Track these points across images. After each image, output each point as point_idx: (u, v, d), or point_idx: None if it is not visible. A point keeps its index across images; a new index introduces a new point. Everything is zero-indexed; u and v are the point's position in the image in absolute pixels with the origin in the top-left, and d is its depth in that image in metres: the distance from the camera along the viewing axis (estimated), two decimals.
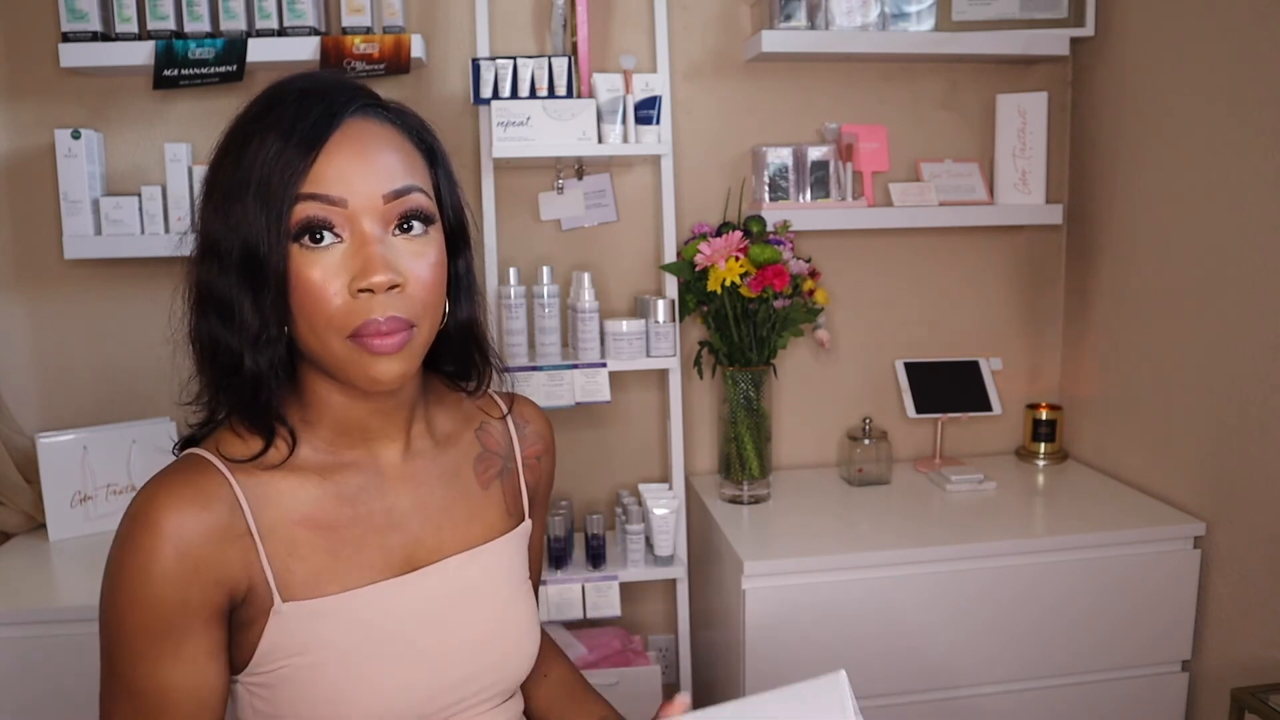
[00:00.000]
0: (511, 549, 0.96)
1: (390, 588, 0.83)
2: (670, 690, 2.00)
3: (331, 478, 0.84)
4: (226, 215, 0.75)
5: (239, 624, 0.80)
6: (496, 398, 1.02)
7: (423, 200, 0.79)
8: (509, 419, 1.01)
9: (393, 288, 0.75)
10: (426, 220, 0.79)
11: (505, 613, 0.93)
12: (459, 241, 0.87)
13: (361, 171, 0.75)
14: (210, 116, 1.83)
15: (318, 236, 0.74)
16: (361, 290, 0.74)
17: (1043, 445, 2.08)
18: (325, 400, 0.83)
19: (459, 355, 0.91)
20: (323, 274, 0.74)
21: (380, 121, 0.80)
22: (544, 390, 1.76)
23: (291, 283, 0.75)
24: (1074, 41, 1.95)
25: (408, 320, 0.76)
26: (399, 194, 0.77)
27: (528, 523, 1.00)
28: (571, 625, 1.96)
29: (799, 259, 1.85)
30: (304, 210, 0.74)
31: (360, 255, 0.74)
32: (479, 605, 0.90)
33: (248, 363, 0.76)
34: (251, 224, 0.73)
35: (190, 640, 0.76)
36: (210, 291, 0.77)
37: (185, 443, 0.84)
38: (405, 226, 0.77)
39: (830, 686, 0.74)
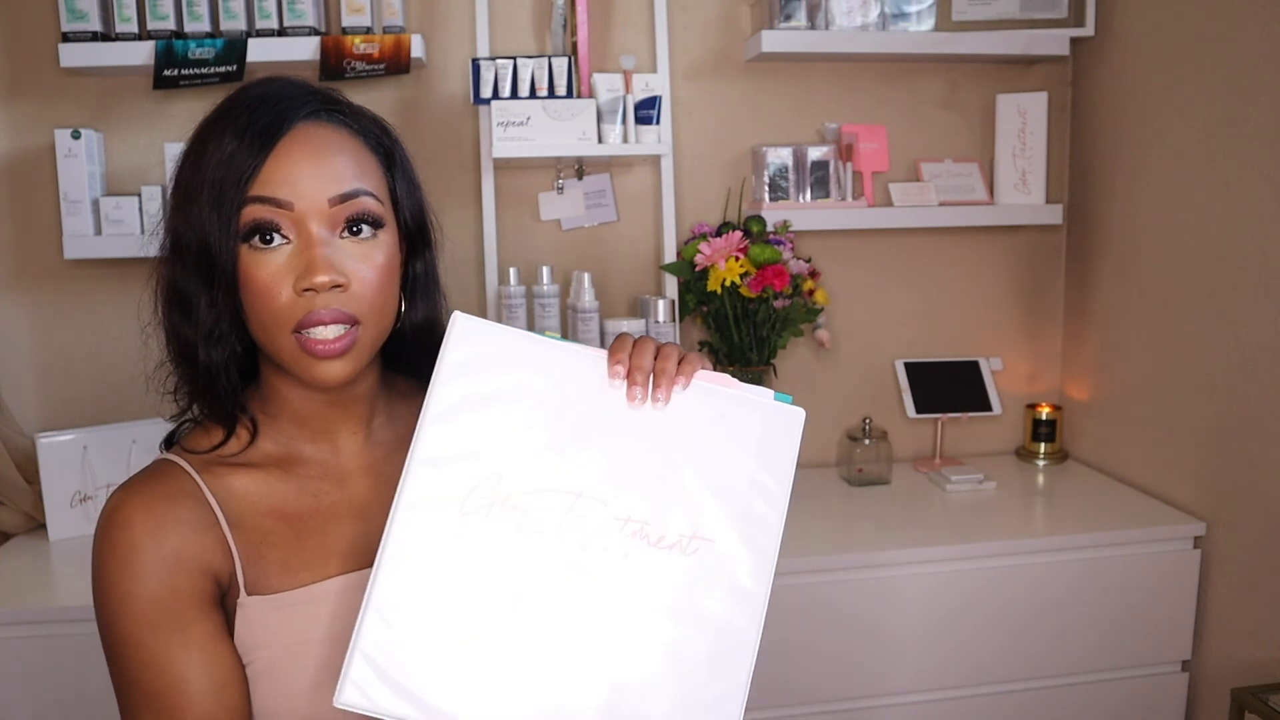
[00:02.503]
0: None
1: (351, 581, 0.84)
2: None
3: (293, 470, 0.86)
4: (186, 215, 0.78)
5: (226, 613, 0.81)
6: None
7: (370, 204, 0.80)
8: None
9: (335, 287, 0.77)
10: (374, 224, 0.80)
11: None
12: (418, 243, 0.88)
13: (309, 175, 0.77)
14: None
15: (267, 238, 0.77)
16: (306, 290, 0.76)
17: (1043, 445, 2.08)
18: (283, 394, 0.85)
19: (418, 357, 0.91)
20: (270, 274, 0.77)
21: (334, 125, 0.81)
22: None
23: (241, 282, 0.77)
24: (1074, 41, 1.95)
25: (351, 315, 0.78)
26: (346, 198, 0.78)
27: None
28: None
29: (799, 259, 1.85)
30: (252, 213, 0.76)
31: (305, 256, 0.76)
32: None
33: (201, 356, 0.80)
34: (206, 224, 0.76)
35: (193, 625, 0.77)
36: (173, 287, 0.80)
37: (167, 441, 0.88)
38: (354, 229, 0.79)
39: (791, 420, 0.78)
